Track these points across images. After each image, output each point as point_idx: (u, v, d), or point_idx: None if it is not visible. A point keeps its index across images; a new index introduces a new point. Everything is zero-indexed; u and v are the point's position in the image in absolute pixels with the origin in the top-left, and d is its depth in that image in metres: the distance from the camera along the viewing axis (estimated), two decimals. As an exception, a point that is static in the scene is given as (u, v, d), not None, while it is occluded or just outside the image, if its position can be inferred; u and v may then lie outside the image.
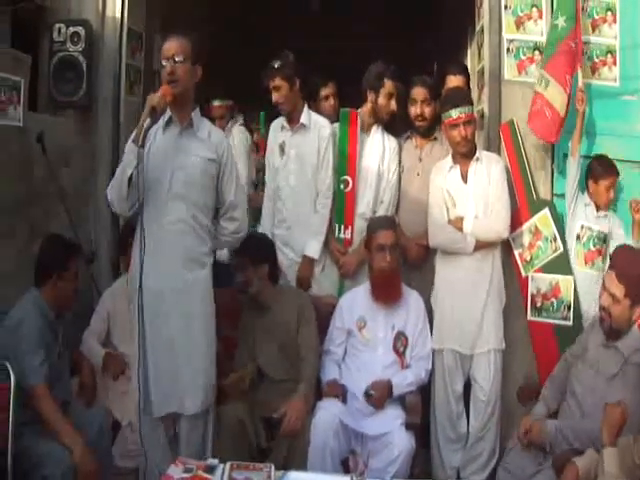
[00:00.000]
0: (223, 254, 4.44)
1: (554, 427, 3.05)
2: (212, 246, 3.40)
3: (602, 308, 3.13)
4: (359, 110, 4.18)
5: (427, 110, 4.12)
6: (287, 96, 4.04)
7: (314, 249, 4.02)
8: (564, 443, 3.01)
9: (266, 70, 4.04)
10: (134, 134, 3.12)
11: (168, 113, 3.27)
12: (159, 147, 3.25)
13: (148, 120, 3.06)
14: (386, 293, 3.70)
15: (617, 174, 3.96)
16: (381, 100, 4.07)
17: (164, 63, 3.19)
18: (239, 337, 3.77)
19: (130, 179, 3.10)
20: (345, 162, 4.09)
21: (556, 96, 3.92)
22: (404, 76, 4.22)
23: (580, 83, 3.96)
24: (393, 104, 4.08)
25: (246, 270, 3.69)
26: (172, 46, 3.20)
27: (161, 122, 3.26)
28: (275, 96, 4.04)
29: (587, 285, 3.91)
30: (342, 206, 4.09)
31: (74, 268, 3.36)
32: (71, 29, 4.45)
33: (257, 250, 3.72)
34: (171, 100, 3.14)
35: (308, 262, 4.04)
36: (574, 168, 3.95)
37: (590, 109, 4.12)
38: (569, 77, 3.91)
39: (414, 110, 4.14)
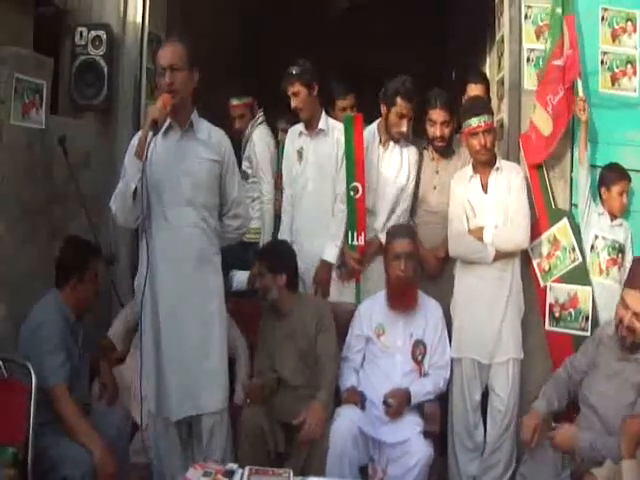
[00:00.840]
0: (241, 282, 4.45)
1: (588, 443, 3.00)
2: (219, 244, 3.41)
3: (625, 326, 3.10)
4: (377, 122, 4.19)
5: (446, 131, 4.10)
6: (305, 102, 4.09)
7: (332, 254, 4.03)
8: (595, 457, 2.98)
9: (285, 76, 4.08)
10: (134, 147, 3.12)
11: (167, 119, 3.25)
12: (161, 153, 3.22)
13: (150, 133, 3.05)
14: (401, 301, 3.70)
15: (629, 179, 3.96)
16: (392, 118, 4.05)
17: (161, 72, 3.18)
18: (258, 342, 3.79)
19: (135, 192, 3.10)
20: (353, 168, 4.04)
21: (540, 118, 3.98)
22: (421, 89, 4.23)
23: (581, 93, 3.95)
24: (404, 125, 4.03)
25: (264, 277, 3.70)
26: (168, 54, 3.18)
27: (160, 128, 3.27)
28: (294, 102, 4.08)
29: (604, 295, 3.90)
30: (353, 213, 4.07)
31: (93, 270, 3.37)
32: (92, 33, 4.47)
33: (276, 259, 3.74)
34: (171, 109, 3.13)
35: (326, 267, 4.06)
36: (584, 176, 3.96)
37: (609, 119, 4.12)
38: (551, 96, 3.93)
39: (433, 131, 4.10)
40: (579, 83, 3.96)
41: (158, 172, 3.20)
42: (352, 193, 4.06)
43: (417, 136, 4.31)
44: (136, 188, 3.08)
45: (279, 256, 3.78)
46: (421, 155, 4.23)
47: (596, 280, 3.96)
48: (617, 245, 3.96)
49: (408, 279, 3.65)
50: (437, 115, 4.06)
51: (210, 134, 3.34)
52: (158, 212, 3.23)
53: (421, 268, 3.94)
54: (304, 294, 3.93)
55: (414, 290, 3.71)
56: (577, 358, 3.42)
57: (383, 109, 4.10)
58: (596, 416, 3.15)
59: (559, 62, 3.95)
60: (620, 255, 3.96)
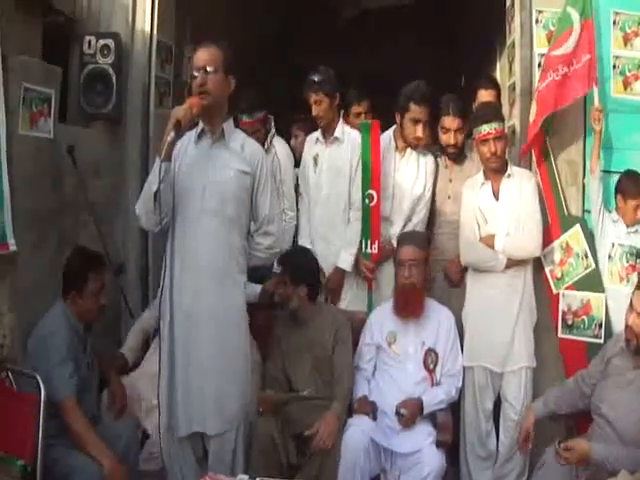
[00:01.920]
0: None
1: (601, 457, 2.94)
2: (246, 263, 3.31)
3: (629, 328, 3.07)
4: (392, 129, 4.18)
5: (460, 138, 4.08)
6: (327, 111, 4.09)
7: (346, 261, 4.01)
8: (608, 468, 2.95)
9: (307, 84, 4.07)
10: (160, 148, 3.07)
11: (200, 125, 3.23)
12: (191, 160, 3.20)
13: (172, 134, 2.99)
14: (406, 308, 3.69)
15: None
16: (407, 124, 4.03)
17: (195, 74, 3.13)
18: (271, 349, 3.75)
19: (157, 194, 3.03)
20: (369, 176, 4.04)
21: (533, 111, 3.96)
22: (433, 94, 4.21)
23: (596, 102, 3.90)
24: (419, 130, 4.00)
25: (286, 287, 3.68)
26: (203, 56, 3.14)
27: (194, 135, 3.24)
28: (316, 110, 4.08)
29: (622, 302, 3.81)
30: (368, 221, 4.06)
31: (94, 284, 3.29)
32: (101, 42, 4.47)
33: (298, 270, 3.71)
34: (198, 112, 3.08)
35: (339, 273, 4.04)
36: (595, 186, 3.91)
37: (621, 124, 4.08)
38: (539, 83, 3.94)
39: (446, 139, 4.08)
40: (595, 91, 3.91)
41: (185, 178, 3.16)
42: (367, 201, 4.05)
43: (428, 143, 4.28)
44: (158, 190, 3.02)
45: (301, 267, 3.75)
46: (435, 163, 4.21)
47: (616, 288, 3.89)
48: (635, 251, 3.90)
49: (412, 286, 3.63)
50: (451, 122, 4.03)
51: (244, 145, 3.27)
52: (181, 219, 3.18)
53: (445, 278, 3.98)
54: (323, 304, 3.89)
55: (420, 297, 3.69)
56: (588, 371, 3.38)
57: (397, 117, 4.08)
58: (609, 426, 3.11)
59: (555, 52, 3.91)
60: (639, 261, 3.90)
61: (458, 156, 4.16)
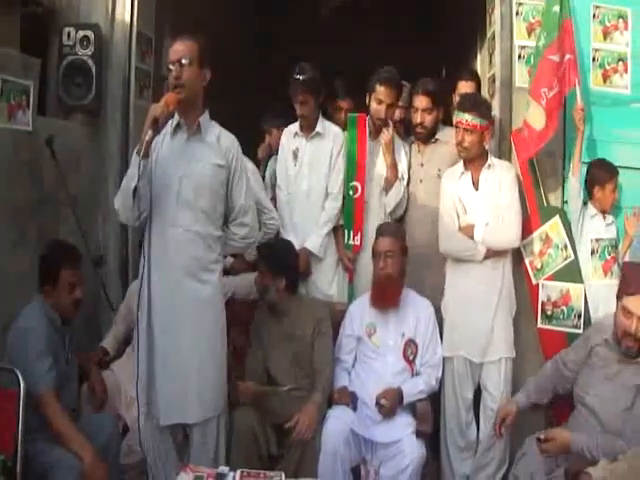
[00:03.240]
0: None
1: (581, 447, 2.98)
2: (221, 252, 3.35)
3: (631, 335, 3.02)
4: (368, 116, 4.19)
5: (428, 119, 4.10)
6: (312, 110, 4.09)
7: (313, 242, 4.01)
8: (587, 457, 2.97)
9: (293, 83, 4.05)
10: (138, 145, 3.07)
11: (176, 118, 3.23)
12: (167, 154, 3.20)
13: (150, 132, 3.00)
14: (382, 299, 3.70)
15: (617, 173, 3.95)
16: (372, 104, 4.08)
17: (170, 67, 3.14)
18: (251, 340, 3.75)
19: (135, 190, 3.04)
20: (354, 168, 4.10)
21: (533, 113, 3.92)
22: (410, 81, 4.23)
23: (579, 102, 3.92)
24: (382, 112, 4.04)
25: (263, 277, 3.68)
26: (178, 49, 3.13)
27: (169, 128, 3.24)
28: (302, 110, 4.08)
29: (605, 294, 3.86)
30: (351, 212, 4.11)
31: (67, 278, 3.25)
32: (80, 33, 4.42)
33: (276, 261, 3.70)
34: (174, 109, 3.10)
35: (305, 255, 4.03)
36: (576, 187, 3.94)
37: (600, 116, 4.12)
38: (546, 90, 3.88)
39: (414, 117, 4.13)
40: (577, 90, 3.93)
41: (161, 172, 3.16)
42: (351, 192, 4.10)
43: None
44: (136, 186, 3.03)
45: (280, 258, 3.74)
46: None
47: (601, 283, 3.93)
48: (614, 243, 3.96)
49: (388, 277, 3.64)
50: (419, 101, 4.07)
51: (219, 138, 3.27)
52: (158, 212, 3.19)
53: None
54: (304, 296, 3.89)
55: (397, 288, 3.70)
56: (569, 355, 3.39)
57: (367, 100, 4.12)
58: (593, 416, 3.13)
59: (555, 57, 3.91)
60: (616, 252, 3.96)
61: (428, 139, 4.17)
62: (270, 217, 3.99)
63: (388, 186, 4.07)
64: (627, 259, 3.91)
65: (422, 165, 4.18)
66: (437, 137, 4.19)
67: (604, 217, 3.98)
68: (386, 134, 4.01)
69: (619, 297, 3.11)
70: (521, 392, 3.50)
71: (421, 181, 4.15)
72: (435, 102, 4.09)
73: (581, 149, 3.96)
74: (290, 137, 4.22)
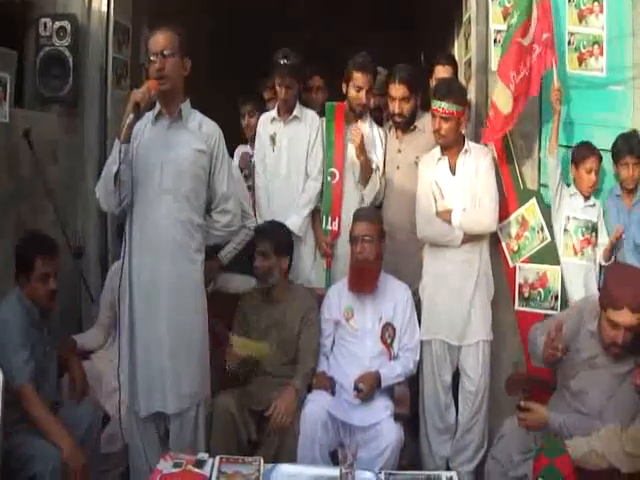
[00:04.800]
0: None
1: (558, 423, 2.99)
2: (203, 241, 3.35)
3: (619, 345, 2.97)
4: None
5: (405, 107, 4.09)
6: (295, 93, 4.11)
7: (294, 222, 4.00)
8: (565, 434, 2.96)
9: (277, 68, 4.05)
10: (119, 130, 3.07)
11: (158, 107, 3.25)
12: (148, 141, 3.22)
13: (131, 116, 3.01)
14: (359, 283, 3.71)
15: (599, 157, 3.95)
16: (350, 91, 4.09)
17: (152, 58, 3.14)
18: (235, 324, 3.75)
19: (117, 176, 3.06)
20: (332, 154, 4.13)
21: (500, 95, 3.89)
22: (388, 67, 4.23)
23: (556, 82, 3.93)
24: (362, 97, 4.06)
25: (268, 258, 3.67)
26: (160, 40, 3.15)
27: (150, 116, 3.26)
28: (285, 95, 4.08)
29: (576, 274, 3.93)
30: (329, 198, 4.13)
31: (43, 269, 3.22)
32: (57, 24, 4.40)
33: (280, 241, 3.72)
34: (156, 94, 3.11)
35: None
36: (553, 165, 3.95)
37: (576, 99, 4.13)
38: (514, 74, 3.86)
39: (392, 107, 4.12)
40: (554, 71, 3.93)
41: (143, 159, 3.18)
42: (329, 178, 4.12)
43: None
44: (117, 172, 3.05)
45: (283, 236, 3.76)
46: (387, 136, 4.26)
47: (571, 261, 3.97)
48: (590, 225, 3.97)
49: (365, 261, 3.66)
50: (395, 90, 4.06)
51: (201, 125, 3.29)
52: (139, 199, 3.20)
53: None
54: (294, 283, 3.89)
55: (374, 272, 3.71)
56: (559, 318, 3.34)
57: (344, 88, 4.13)
58: (577, 401, 3.13)
59: (524, 41, 3.90)
60: (594, 234, 3.97)
61: (407, 126, 4.17)
62: (251, 221, 4.00)
63: (364, 181, 4.08)
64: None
65: (400, 152, 4.19)
66: (416, 124, 4.19)
67: (585, 198, 3.99)
68: (355, 134, 4.00)
69: (603, 307, 3.03)
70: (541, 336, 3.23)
71: (398, 167, 4.16)
72: (412, 90, 4.08)
73: (558, 129, 3.97)
74: (267, 123, 4.23)
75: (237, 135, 4.63)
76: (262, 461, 2.84)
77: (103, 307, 3.93)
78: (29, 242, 3.33)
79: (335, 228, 4.10)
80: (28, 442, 3.00)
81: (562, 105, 3.97)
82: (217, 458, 2.84)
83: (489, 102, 4.07)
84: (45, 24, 4.43)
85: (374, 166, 4.09)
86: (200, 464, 2.81)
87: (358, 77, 4.04)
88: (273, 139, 4.17)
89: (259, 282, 3.75)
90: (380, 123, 4.37)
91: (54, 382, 3.37)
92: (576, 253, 3.96)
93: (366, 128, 4.17)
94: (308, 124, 4.16)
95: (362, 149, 4.00)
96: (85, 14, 4.56)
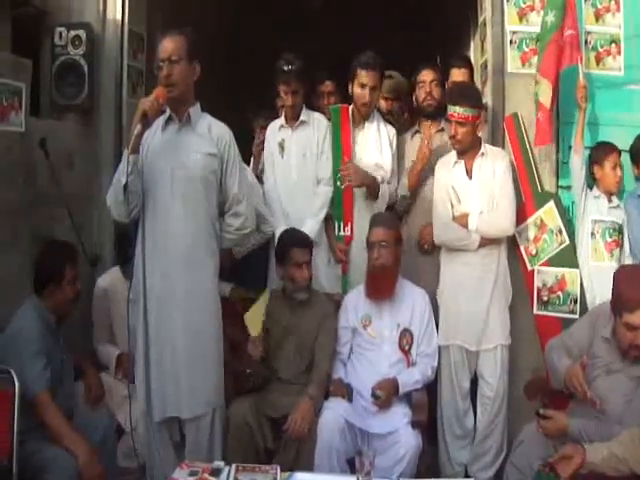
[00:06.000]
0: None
1: (578, 430, 2.95)
2: (217, 246, 3.34)
3: (634, 346, 2.95)
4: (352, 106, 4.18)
5: (436, 90, 4.13)
6: (301, 98, 4.09)
7: (311, 228, 3.97)
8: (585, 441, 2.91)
9: (282, 73, 4.02)
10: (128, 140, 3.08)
11: (169, 111, 3.24)
12: (158, 146, 3.22)
13: (139, 127, 3.02)
14: (376, 290, 3.69)
15: (619, 153, 3.91)
16: (355, 89, 4.06)
17: (160, 64, 3.14)
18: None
19: (125, 186, 3.05)
20: (340, 159, 4.08)
21: (544, 94, 3.89)
22: (402, 68, 4.22)
23: (582, 79, 3.89)
24: (366, 95, 4.02)
25: (305, 269, 3.64)
26: (167, 46, 3.14)
27: (161, 121, 3.25)
28: (292, 100, 4.04)
29: (606, 277, 3.81)
30: (340, 203, 4.10)
31: (70, 274, 3.31)
32: (72, 32, 4.44)
33: (310, 247, 3.72)
34: (164, 103, 3.10)
35: None
36: (579, 164, 3.91)
37: (594, 99, 4.09)
38: (559, 70, 3.88)
39: (423, 90, 4.15)
40: (580, 68, 3.91)
41: (153, 165, 3.18)
42: (339, 183, 4.07)
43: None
44: (127, 182, 3.04)
45: (312, 244, 3.76)
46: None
47: (601, 264, 3.89)
48: (617, 226, 3.91)
49: (382, 267, 3.63)
50: (426, 74, 4.17)
51: (210, 128, 3.27)
52: (151, 206, 3.20)
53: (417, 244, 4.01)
54: (314, 290, 3.84)
55: (391, 278, 3.68)
56: (574, 334, 3.30)
57: (350, 88, 4.11)
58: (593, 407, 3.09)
59: (570, 32, 3.89)
60: (620, 236, 3.91)
61: (436, 114, 4.16)
62: (268, 226, 3.99)
63: (373, 197, 4.06)
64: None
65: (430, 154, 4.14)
66: (443, 126, 4.16)
67: (609, 200, 3.94)
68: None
69: (617, 313, 3.00)
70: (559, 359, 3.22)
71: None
72: (439, 78, 4.14)
73: (583, 128, 3.92)
74: (275, 131, 4.21)
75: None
76: (279, 469, 2.82)
77: (102, 329, 3.94)
78: (56, 250, 3.39)
79: (348, 233, 4.07)
80: (42, 450, 3.01)
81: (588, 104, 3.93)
82: (233, 466, 2.81)
83: (510, 105, 4.08)
84: (60, 33, 4.47)
85: (379, 179, 4.06)
86: (216, 472, 2.78)
87: (362, 74, 4.01)
88: (282, 146, 4.15)
89: (298, 293, 3.68)
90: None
91: (70, 390, 3.38)
92: (605, 256, 3.89)
93: (372, 130, 4.14)
94: (316, 128, 4.13)
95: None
96: (100, 23, 4.59)
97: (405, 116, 4.84)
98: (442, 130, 4.18)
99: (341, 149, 4.08)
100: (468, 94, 3.78)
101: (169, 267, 3.20)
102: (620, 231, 3.92)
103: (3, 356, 3.11)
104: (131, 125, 3.15)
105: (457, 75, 4.39)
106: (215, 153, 3.24)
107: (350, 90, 4.11)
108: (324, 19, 7.48)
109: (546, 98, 3.88)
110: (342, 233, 4.07)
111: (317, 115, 4.19)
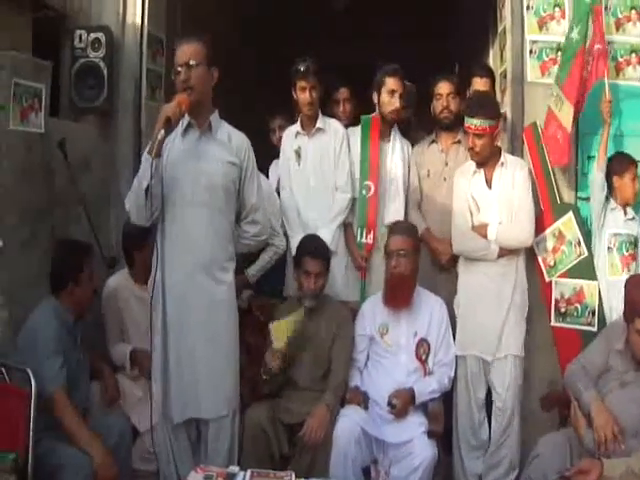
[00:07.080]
0: None
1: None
2: (234, 250, 3.35)
3: None
4: None
5: (453, 103, 4.12)
6: (319, 97, 4.09)
7: (325, 236, 3.96)
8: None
9: (298, 72, 4.03)
10: (149, 145, 3.07)
11: (187, 118, 3.23)
12: (178, 153, 3.22)
13: (162, 132, 3.01)
14: (394, 299, 3.68)
15: (636, 165, 3.89)
16: (383, 97, 4.08)
17: (178, 69, 3.15)
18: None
19: (147, 190, 3.06)
20: (367, 167, 4.11)
21: (566, 115, 3.87)
22: (422, 76, 4.22)
23: (608, 94, 3.87)
24: (395, 100, 4.05)
25: (322, 277, 3.66)
26: (185, 51, 3.15)
27: (180, 128, 3.25)
28: (310, 97, 4.04)
29: (621, 292, 3.79)
30: (364, 211, 4.10)
31: (88, 270, 3.36)
32: (92, 35, 4.45)
33: (328, 256, 3.73)
34: (187, 109, 3.10)
35: None
36: (600, 180, 3.89)
37: (614, 110, 4.03)
38: (584, 95, 3.88)
39: (440, 103, 4.15)
40: (606, 82, 3.88)
41: (174, 172, 3.18)
42: (364, 192, 4.09)
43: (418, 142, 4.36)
44: (148, 186, 3.05)
45: (328, 252, 3.77)
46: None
47: (618, 279, 3.80)
48: (633, 239, 3.88)
49: (400, 276, 3.62)
50: (443, 87, 4.17)
51: (230, 136, 3.29)
52: (171, 212, 3.20)
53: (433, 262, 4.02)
54: (327, 297, 3.83)
55: (409, 287, 3.68)
56: (591, 356, 3.30)
57: (375, 97, 4.13)
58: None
59: (598, 46, 3.89)
60: (636, 249, 3.89)
61: (452, 126, 4.16)
62: (279, 239, 4.03)
63: None
64: None
65: (447, 164, 4.16)
66: (459, 138, 4.17)
67: (625, 212, 3.91)
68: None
69: (630, 320, 3.01)
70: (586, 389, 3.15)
71: (445, 179, 4.12)
72: (456, 90, 4.15)
73: (607, 142, 3.90)
74: (292, 137, 4.21)
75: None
76: (294, 476, 2.80)
77: (113, 329, 3.92)
78: (73, 249, 3.43)
79: (370, 241, 4.06)
80: (58, 450, 3.01)
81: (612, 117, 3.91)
82: (248, 472, 2.80)
83: (530, 115, 4.08)
84: (80, 36, 4.48)
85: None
86: (231, 477, 2.77)
87: (390, 81, 4.05)
88: (298, 153, 4.16)
89: (305, 300, 3.68)
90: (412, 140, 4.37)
91: (86, 390, 3.39)
92: (623, 270, 3.85)
93: (398, 143, 4.18)
94: (332, 135, 4.14)
95: None
96: (119, 26, 4.59)
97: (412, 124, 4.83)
98: (459, 142, 4.18)
99: (369, 158, 4.09)
100: (485, 105, 3.76)
101: (189, 272, 3.20)
102: (636, 244, 3.89)
103: (20, 355, 3.13)
104: (150, 128, 3.16)
105: (479, 84, 4.35)
106: (235, 162, 3.25)
107: (376, 100, 4.11)
108: (340, 26, 7.49)
109: (567, 120, 3.86)
110: (364, 240, 4.07)
111: (334, 122, 4.20)
